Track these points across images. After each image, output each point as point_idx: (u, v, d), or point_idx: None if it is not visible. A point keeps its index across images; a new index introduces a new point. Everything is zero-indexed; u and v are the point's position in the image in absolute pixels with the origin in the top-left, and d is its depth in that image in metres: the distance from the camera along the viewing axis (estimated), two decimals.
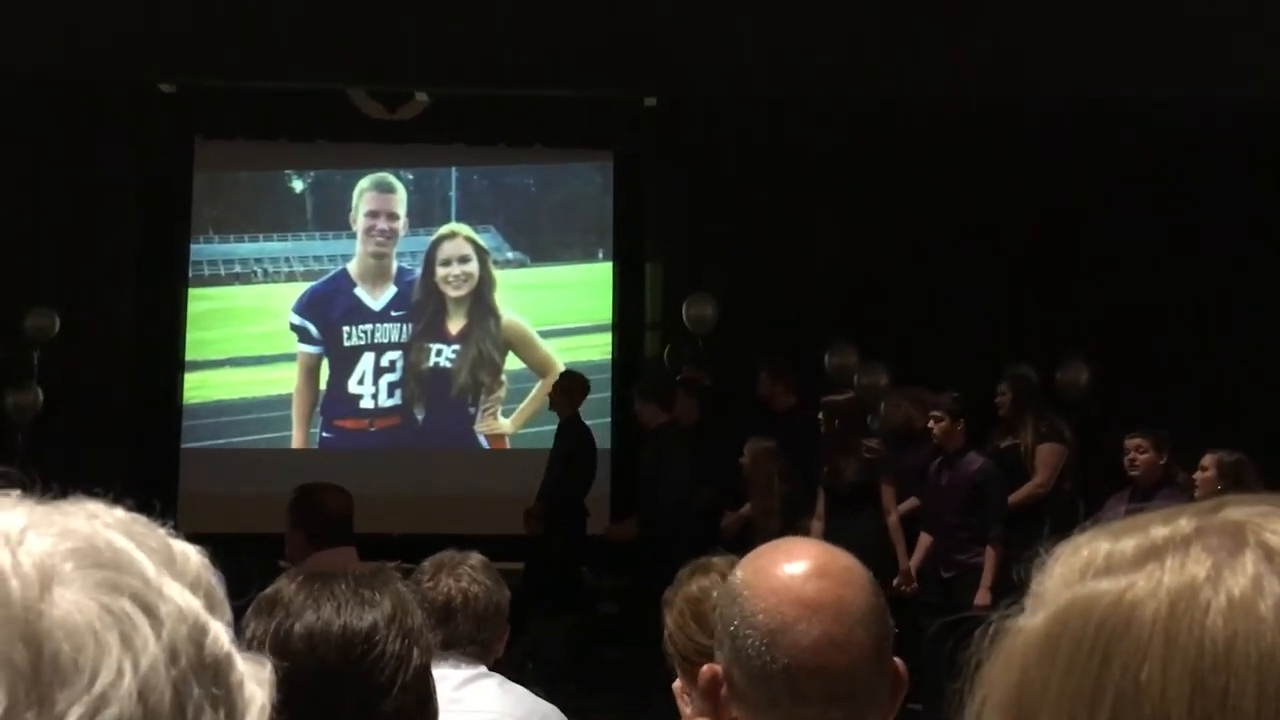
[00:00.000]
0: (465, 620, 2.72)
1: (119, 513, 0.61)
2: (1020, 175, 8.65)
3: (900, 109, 8.62)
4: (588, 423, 7.80)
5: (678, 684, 2.09)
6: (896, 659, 1.40)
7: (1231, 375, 8.58)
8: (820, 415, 6.45)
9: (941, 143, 8.70)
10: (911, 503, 6.50)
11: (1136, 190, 8.68)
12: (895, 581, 5.94)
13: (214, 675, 0.57)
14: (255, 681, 0.60)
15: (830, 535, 5.83)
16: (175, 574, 0.59)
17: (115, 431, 8.52)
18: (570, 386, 7.79)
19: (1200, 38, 7.53)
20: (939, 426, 6.17)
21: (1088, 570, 0.61)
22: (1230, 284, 8.71)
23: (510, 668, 2.85)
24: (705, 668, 1.40)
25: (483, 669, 2.71)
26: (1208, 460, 5.70)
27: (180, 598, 0.57)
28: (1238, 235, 8.66)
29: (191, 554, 0.62)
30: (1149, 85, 7.97)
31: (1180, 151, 8.64)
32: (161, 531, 0.61)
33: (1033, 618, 0.61)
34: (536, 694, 2.78)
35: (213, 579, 0.62)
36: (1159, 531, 0.60)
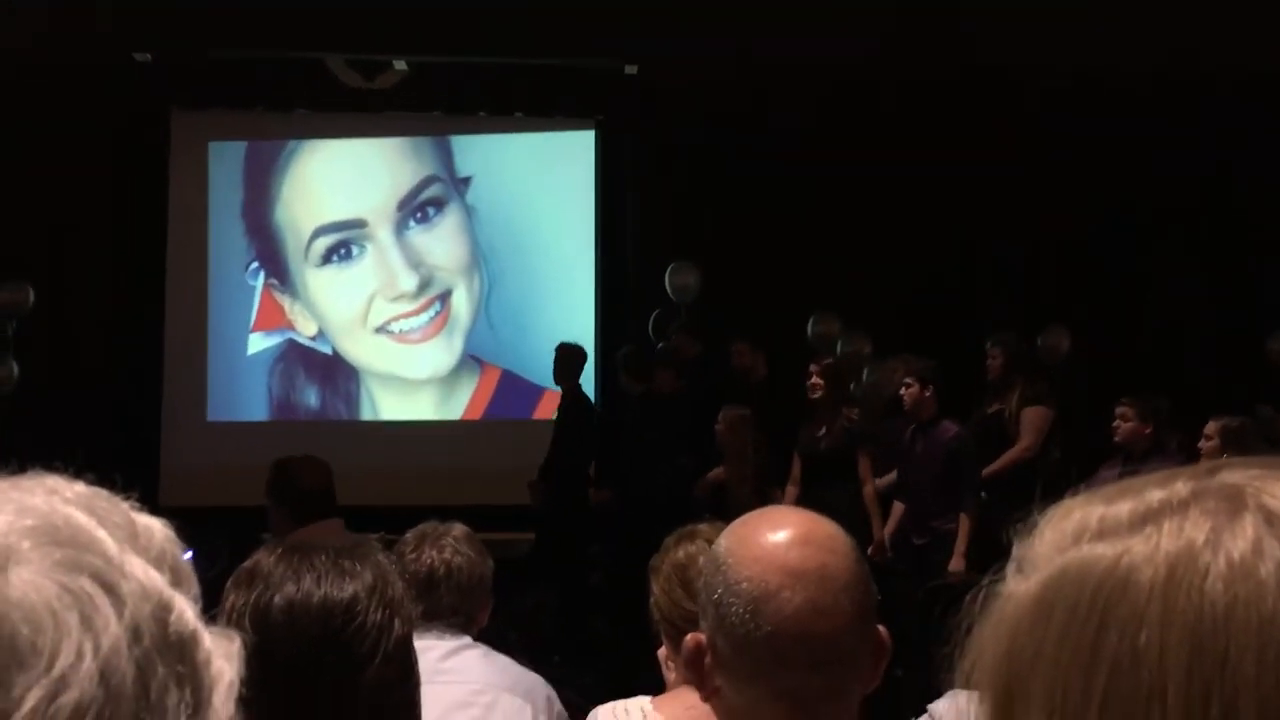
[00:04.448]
0: (448, 591, 2.71)
1: (80, 488, 0.59)
2: (1004, 140, 8.63)
3: (880, 74, 8.58)
4: None
5: (663, 651, 2.08)
6: (880, 626, 1.40)
7: (1214, 347, 8.60)
8: (810, 380, 6.40)
9: (923, 108, 8.67)
10: (892, 477, 6.46)
11: (1123, 158, 8.67)
12: (869, 551, 5.93)
13: (179, 653, 0.55)
14: (223, 657, 0.58)
15: (805, 503, 5.84)
16: (138, 549, 0.57)
17: (93, 405, 8.46)
18: (568, 357, 7.75)
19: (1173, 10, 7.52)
20: (908, 393, 6.15)
21: (1082, 535, 0.59)
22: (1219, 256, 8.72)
23: (494, 638, 2.83)
24: (689, 637, 1.39)
25: (467, 640, 2.70)
26: (1211, 428, 5.50)
27: (143, 574, 0.56)
28: (1224, 206, 8.67)
29: (156, 528, 0.60)
30: (1128, 55, 7.96)
31: (1167, 118, 8.63)
32: (125, 506, 0.60)
33: (1024, 582, 0.60)
34: (521, 664, 2.78)
35: (179, 553, 0.60)
36: (1155, 495, 0.59)
